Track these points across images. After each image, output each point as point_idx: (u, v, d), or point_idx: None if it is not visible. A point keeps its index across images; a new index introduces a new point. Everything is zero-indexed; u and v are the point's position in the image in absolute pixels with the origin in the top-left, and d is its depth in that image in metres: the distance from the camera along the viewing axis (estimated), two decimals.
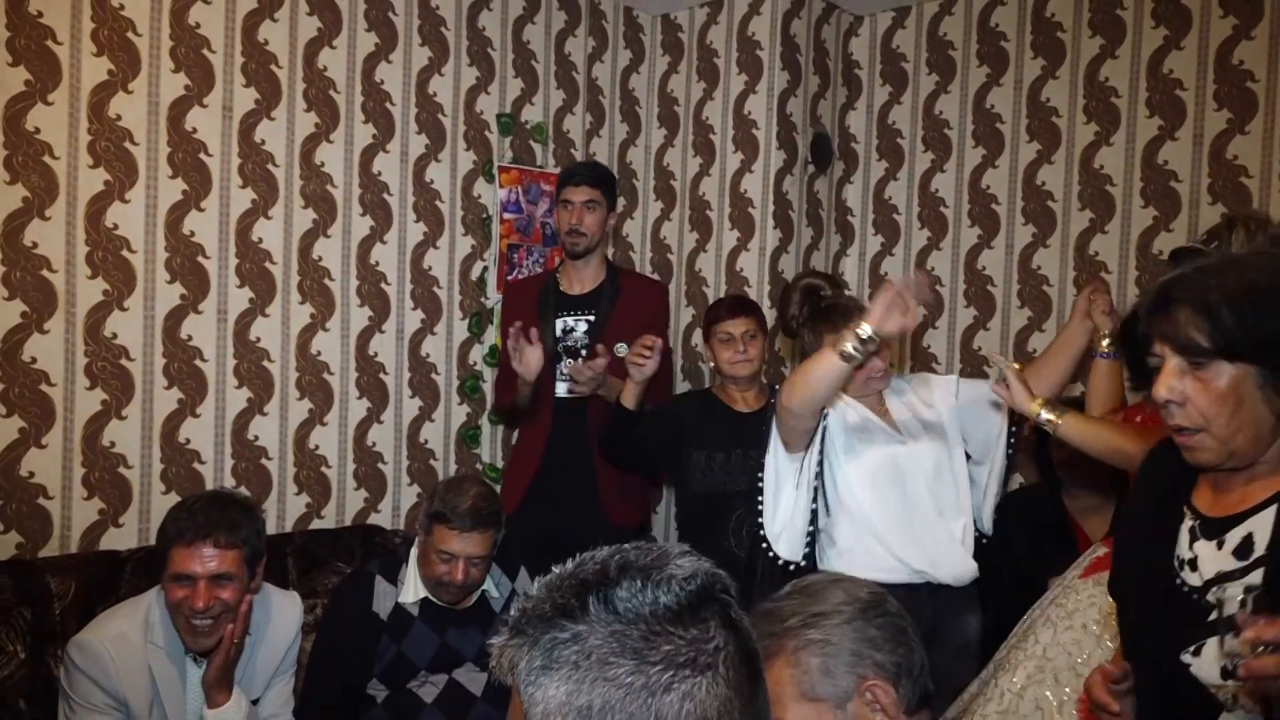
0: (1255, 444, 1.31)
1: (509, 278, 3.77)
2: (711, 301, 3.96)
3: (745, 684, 0.87)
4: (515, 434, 3.58)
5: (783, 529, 2.50)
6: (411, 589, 2.46)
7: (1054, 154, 3.71)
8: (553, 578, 0.90)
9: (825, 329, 2.50)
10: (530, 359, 3.15)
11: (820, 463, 2.49)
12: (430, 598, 2.46)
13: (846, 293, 2.71)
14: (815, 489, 2.48)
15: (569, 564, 0.91)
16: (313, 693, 2.35)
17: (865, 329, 2.20)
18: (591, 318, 3.30)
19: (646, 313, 3.36)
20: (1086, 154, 3.63)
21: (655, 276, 4.15)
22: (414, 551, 2.50)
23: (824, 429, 2.48)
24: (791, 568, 2.48)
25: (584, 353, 3.26)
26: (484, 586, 2.51)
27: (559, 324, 3.32)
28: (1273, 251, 1.34)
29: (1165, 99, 3.46)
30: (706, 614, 0.86)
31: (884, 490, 2.45)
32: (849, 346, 2.21)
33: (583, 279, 3.35)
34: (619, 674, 0.82)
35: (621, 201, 4.22)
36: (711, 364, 3.18)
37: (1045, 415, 2.18)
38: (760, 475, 2.54)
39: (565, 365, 3.25)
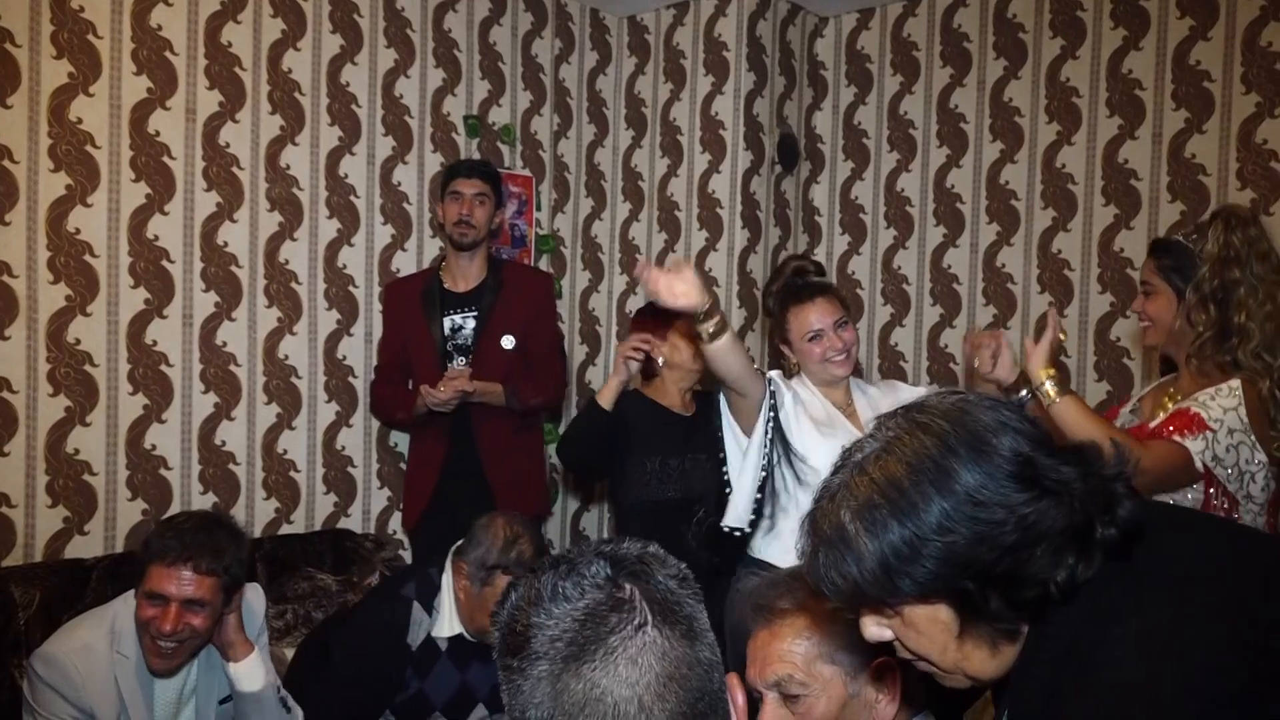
0: (986, 672, 1.10)
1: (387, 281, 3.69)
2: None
3: (679, 629, 0.92)
4: (411, 441, 3.47)
5: (738, 494, 2.49)
6: (448, 623, 2.34)
7: (1017, 153, 3.76)
8: (497, 616, 0.97)
9: (790, 302, 2.51)
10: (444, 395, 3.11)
11: (786, 449, 2.48)
12: (465, 634, 2.35)
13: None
14: (769, 467, 2.47)
15: (507, 598, 0.96)
16: (326, 715, 2.27)
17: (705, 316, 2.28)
18: (477, 313, 3.27)
19: (532, 304, 3.34)
20: (1048, 153, 3.68)
21: (549, 270, 4.15)
22: (449, 584, 2.36)
23: (782, 418, 2.47)
24: (738, 534, 2.48)
25: (473, 349, 3.23)
26: None
27: (446, 322, 3.29)
28: (925, 425, 1.08)
29: (1125, 99, 3.51)
30: (629, 584, 0.92)
31: None
32: (701, 329, 2.29)
33: (467, 275, 3.31)
34: (582, 654, 0.89)
35: (590, 203, 4.23)
36: (662, 360, 3.02)
37: (1048, 385, 2.02)
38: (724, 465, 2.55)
39: (457, 361, 3.22)
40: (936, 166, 3.95)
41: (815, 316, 2.47)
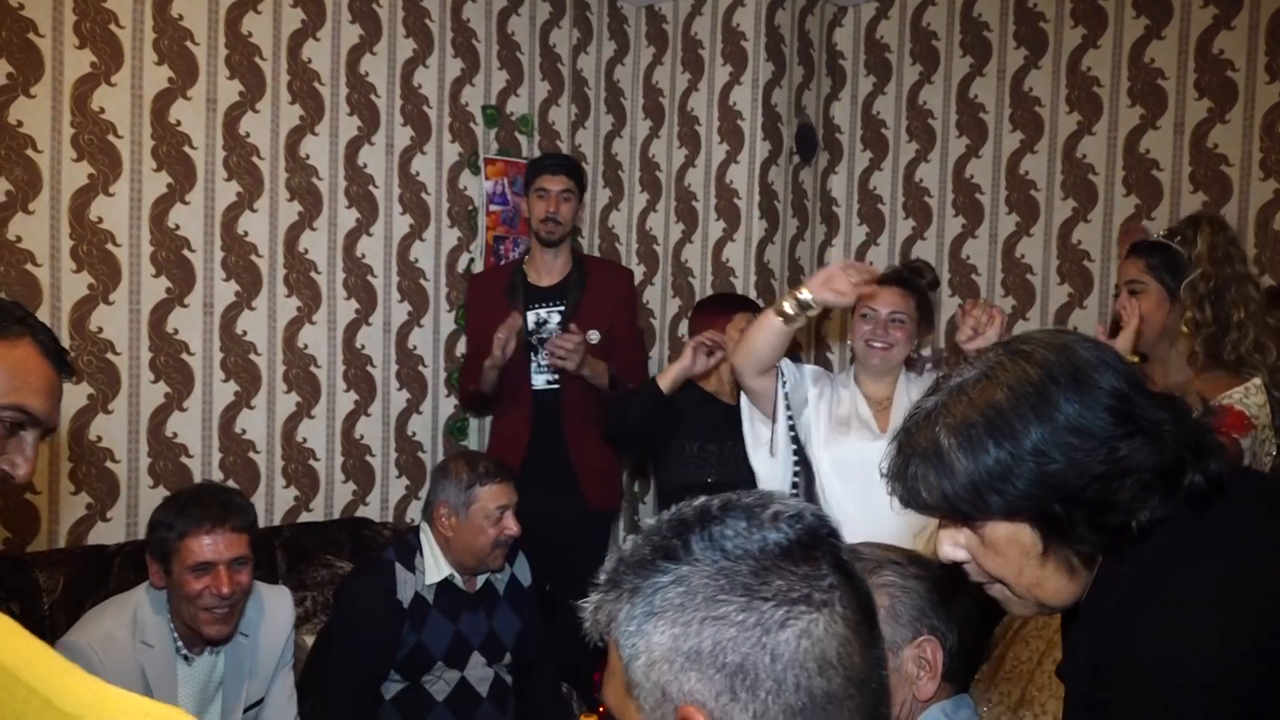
0: (1059, 597, 1.13)
1: (474, 271, 3.76)
2: (698, 292, 3.97)
3: (863, 626, 0.81)
4: (494, 423, 3.58)
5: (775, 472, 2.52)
6: (433, 570, 2.43)
7: (1037, 143, 3.73)
8: (648, 526, 0.85)
9: (874, 282, 2.51)
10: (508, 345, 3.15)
11: (798, 442, 2.50)
12: (452, 577, 2.45)
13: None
14: (795, 463, 2.49)
15: (662, 514, 0.86)
16: (340, 692, 2.31)
17: (804, 293, 2.31)
18: (563, 308, 3.31)
19: (616, 299, 3.38)
20: (1069, 143, 3.65)
21: (641, 266, 4.16)
22: (429, 538, 2.46)
23: (808, 405, 2.49)
24: None
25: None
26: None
27: (531, 316, 3.32)
28: (1027, 353, 1.10)
29: (1147, 88, 3.49)
30: (817, 553, 0.81)
31: (850, 485, 2.43)
32: (787, 306, 2.32)
33: (551, 269, 3.35)
34: (728, 611, 0.77)
35: (607, 193, 4.23)
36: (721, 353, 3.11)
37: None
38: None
39: (543, 355, 3.25)
40: (956, 157, 3.93)
41: (880, 298, 2.48)
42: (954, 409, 1.09)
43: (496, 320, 3.29)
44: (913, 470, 1.11)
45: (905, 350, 2.52)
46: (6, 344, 1.33)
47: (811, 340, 4.11)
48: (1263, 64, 3.27)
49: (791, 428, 2.48)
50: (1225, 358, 2.09)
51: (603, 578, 0.84)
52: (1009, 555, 1.11)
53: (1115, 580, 1.09)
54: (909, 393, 2.56)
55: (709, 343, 2.88)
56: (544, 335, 3.30)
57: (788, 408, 2.47)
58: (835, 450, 2.45)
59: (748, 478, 2.75)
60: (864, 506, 2.37)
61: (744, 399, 2.56)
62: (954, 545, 1.15)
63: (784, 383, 2.48)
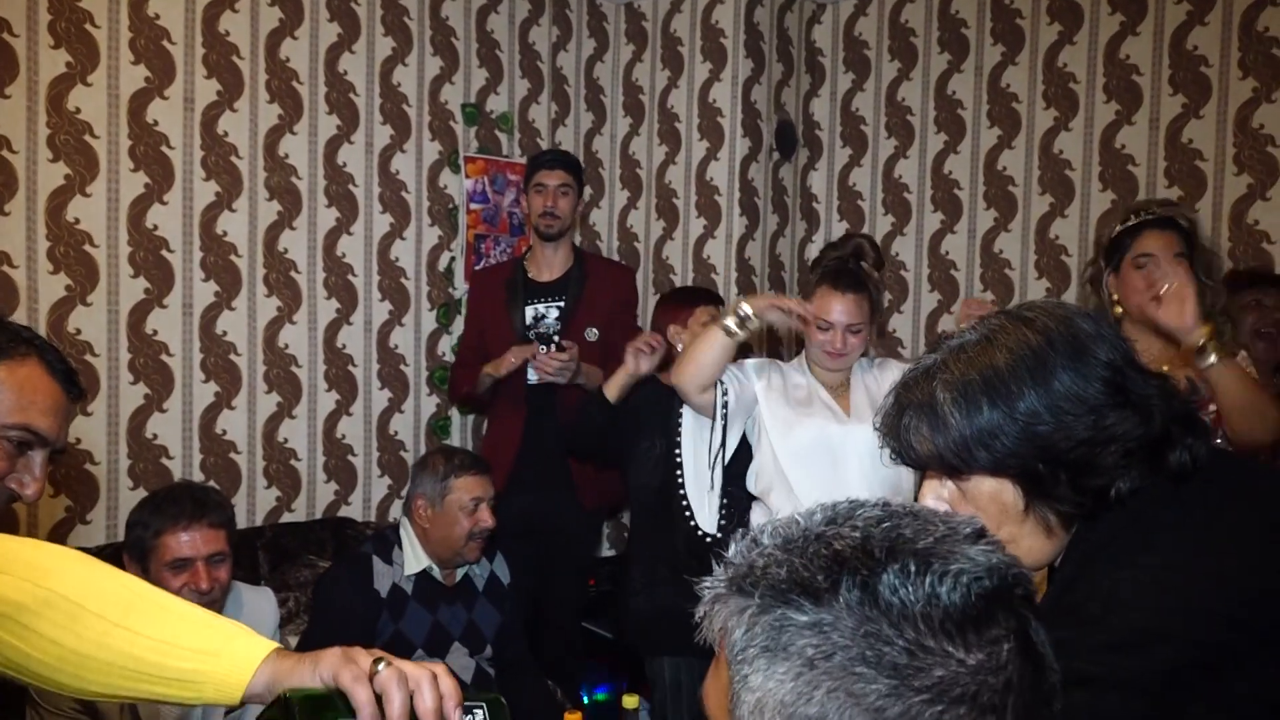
0: (1032, 556, 1.16)
1: (476, 267, 3.77)
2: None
3: None
4: (486, 422, 3.59)
5: (701, 498, 2.54)
6: (411, 562, 2.46)
7: (1014, 139, 3.76)
8: (793, 532, 0.71)
9: (824, 283, 2.52)
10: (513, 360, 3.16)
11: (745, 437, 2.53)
12: (430, 569, 2.47)
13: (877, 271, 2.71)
14: (723, 461, 2.53)
15: (815, 518, 0.72)
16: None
17: (745, 308, 2.34)
18: (562, 303, 3.32)
19: (616, 297, 3.39)
20: (1046, 139, 3.68)
21: (623, 262, 4.16)
22: (408, 532, 2.49)
23: (758, 401, 2.52)
24: (709, 539, 2.52)
25: (556, 339, 3.26)
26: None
27: (529, 311, 3.33)
28: (1030, 320, 1.13)
29: (1122, 84, 3.52)
30: (998, 630, 0.66)
31: (813, 470, 2.46)
32: (730, 322, 2.34)
33: (551, 265, 3.36)
34: (868, 691, 0.63)
35: (588, 190, 4.23)
36: (681, 346, 3.08)
37: (1211, 350, 1.95)
38: (679, 421, 2.60)
39: (538, 353, 3.26)
40: (934, 153, 3.95)
41: (837, 309, 2.48)
42: (953, 367, 1.13)
43: (495, 315, 3.29)
44: (906, 421, 1.15)
45: (860, 351, 2.55)
46: (13, 363, 1.34)
47: (763, 340, 4.13)
48: (1236, 60, 3.31)
49: (722, 451, 2.50)
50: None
51: (726, 573, 0.72)
52: (989, 511, 1.14)
53: (1084, 539, 1.13)
54: (864, 379, 2.59)
55: (645, 348, 2.84)
56: (541, 330, 3.30)
57: (724, 417, 2.49)
58: (799, 434, 2.47)
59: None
60: (829, 489, 2.39)
61: (687, 413, 2.57)
62: (935, 498, 1.18)
63: (724, 393, 2.50)
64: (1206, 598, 1.04)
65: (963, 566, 0.66)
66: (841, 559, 0.67)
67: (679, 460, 2.64)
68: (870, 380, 2.62)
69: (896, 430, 1.16)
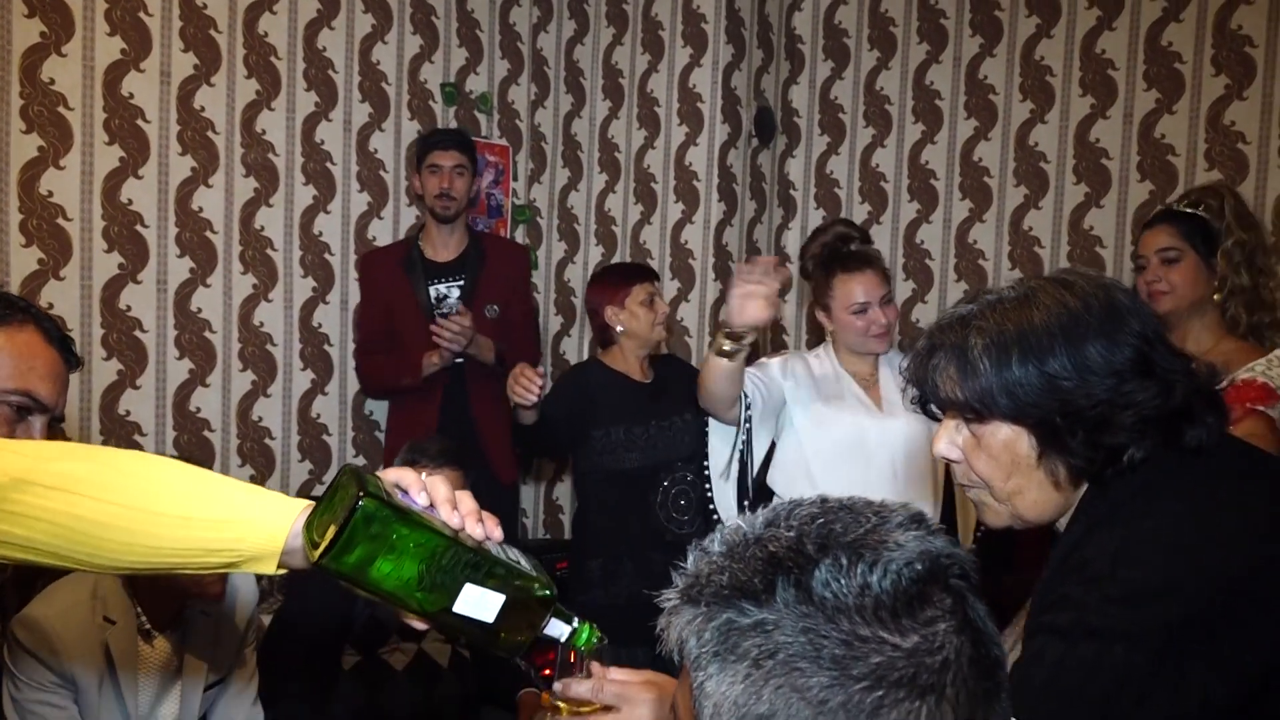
0: (1035, 509, 1.20)
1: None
2: (657, 272, 3.99)
3: (979, 709, 0.68)
4: (389, 403, 3.50)
5: (729, 499, 2.54)
6: None
7: (991, 131, 3.79)
8: (736, 537, 0.73)
9: (838, 269, 2.49)
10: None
11: (776, 433, 2.51)
12: None
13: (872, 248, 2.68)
14: (746, 459, 2.51)
15: (757, 521, 0.74)
16: (285, 662, 2.32)
17: (723, 333, 2.24)
18: (462, 283, 3.31)
19: (513, 275, 3.43)
20: (1022, 131, 3.72)
21: (595, 246, 4.16)
22: None
23: (786, 398, 2.49)
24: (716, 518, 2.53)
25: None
26: None
27: (431, 291, 3.31)
28: (1071, 284, 1.17)
29: (1098, 78, 3.56)
30: (933, 610, 0.68)
31: (844, 465, 2.43)
32: (725, 345, 2.23)
33: (448, 245, 3.34)
34: (811, 684, 0.65)
35: (566, 173, 4.23)
36: (621, 329, 2.93)
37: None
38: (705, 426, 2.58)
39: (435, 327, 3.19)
40: (911, 143, 3.97)
41: (862, 289, 2.45)
42: (989, 317, 1.17)
43: (396, 296, 3.25)
44: (935, 362, 1.19)
45: (898, 319, 2.55)
46: (10, 329, 1.34)
47: (767, 342, 4.16)
48: (1209, 56, 3.35)
49: (749, 457, 2.48)
50: (1259, 321, 2.15)
51: (678, 585, 0.74)
52: (1001, 459, 1.18)
53: (1091, 505, 1.17)
54: (892, 370, 2.57)
55: (523, 393, 2.63)
56: (444, 311, 3.27)
57: (749, 430, 2.45)
58: (832, 429, 2.43)
59: (673, 458, 2.76)
60: (863, 483, 2.40)
61: (712, 421, 2.53)
62: (950, 444, 1.22)
63: (748, 405, 2.43)
64: (1209, 558, 1.08)
65: (893, 554, 0.68)
66: (776, 560, 0.69)
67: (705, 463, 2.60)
68: (896, 373, 2.59)
69: (925, 370, 1.20)
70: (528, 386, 2.62)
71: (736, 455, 2.50)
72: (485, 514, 0.98)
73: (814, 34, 4.22)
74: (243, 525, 0.93)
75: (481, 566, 0.94)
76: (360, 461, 3.60)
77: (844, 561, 0.68)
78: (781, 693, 0.66)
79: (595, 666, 1.19)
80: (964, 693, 0.67)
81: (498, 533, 0.98)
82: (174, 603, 2.05)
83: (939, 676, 0.66)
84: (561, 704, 1.21)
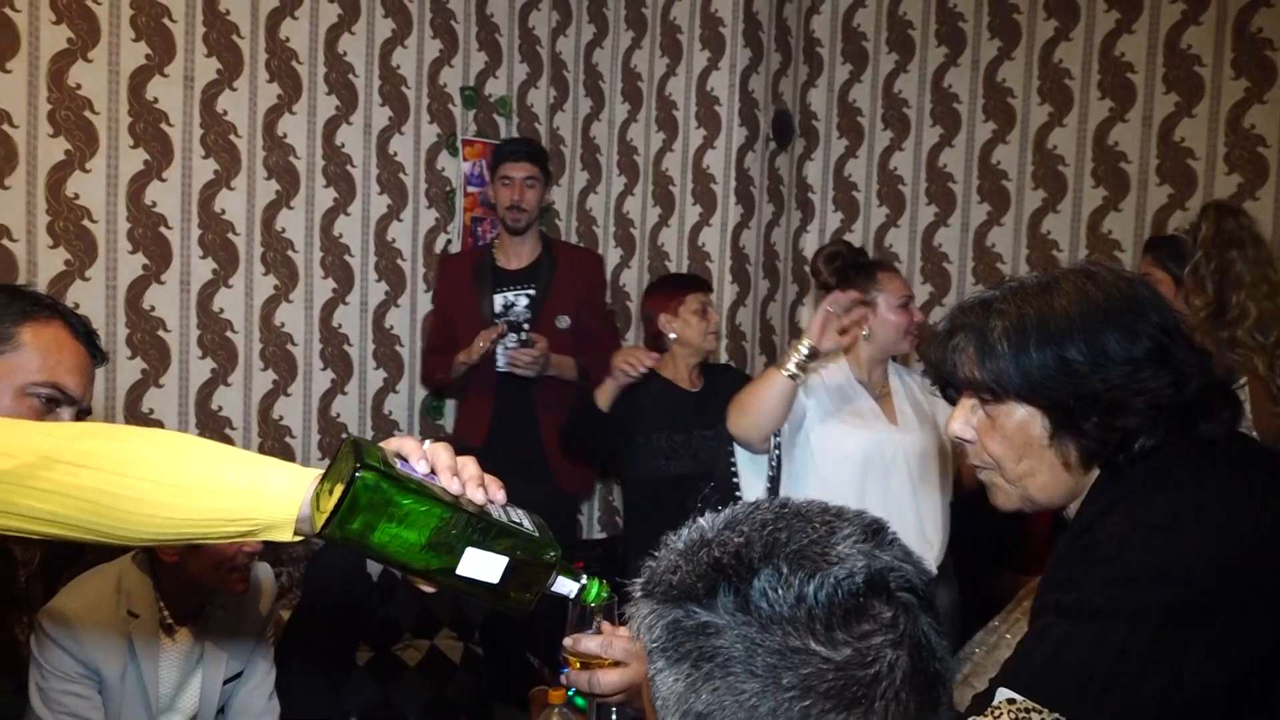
0: (1046, 492, 1.22)
1: (443, 254, 3.77)
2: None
3: None
4: (458, 404, 3.60)
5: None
6: None
7: (1009, 134, 3.79)
8: (694, 537, 0.76)
9: (878, 270, 2.53)
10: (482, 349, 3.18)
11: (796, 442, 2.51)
12: None
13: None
14: (779, 469, 2.50)
15: (717, 521, 0.76)
16: (301, 656, 2.36)
17: (804, 346, 2.26)
18: (532, 291, 3.33)
19: (585, 283, 3.42)
20: (1040, 134, 3.71)
21: (614, 249, 4.19)
22: None
23: (806, 414, 2.46)
24: None
25: (525, 327, 3.27)
26: None
27: (498, 299, 3.34)
28: (1094, 275, 1.19)
29: (1116, 81, 3.55)
30: (869, 625, 0.69)
31: (866, 480, 2.42)
32: (792, 365, 2.25)
33: (520, 253, 3.37)
34: (744, 688, 0.68)
35: (585, 176, 4.25)
36: (673, 336, 3.03)
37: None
38: (731, 459, 2.57)
39: (506, 343, 3.25)
40: (929, 146, 3.98)
41: (902, 286, 2.52)
42: (1011, 301, 1.19)
43: (464, 303, 3.30)
44: (955, 342, 1.22)
45: None
46: (39, 324, 1.39)
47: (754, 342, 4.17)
48: (1229, 59, 3.34)
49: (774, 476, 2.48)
50: (1216, 336, 2.14)
51: (639, 585, 0.77)
52: (1014, 440, 1.20)
53: (1101, 493, 1.19)
54: (901, 383, 2.58)
55: (629, 369, 2.82)
56: (511, 319, 3.31)
57: (778, 458, 2.45)
58: (852, 442, 2.43)
59: (715, 468, 2.76)
60: (883, 496, 2.39)
61: (740, 456, 2.51)
62: (964, 424, 1.24)
63: (777, 432, 2.42)
64: (1211, 544, 1.09)
65: (832, 567, 0.69)
66: (720, 566, 0.71)
67: (733, 465, 2.61)
68: (906, 386, 2.59)
69: (944, 350, 1.23)
70: (635, 362, 2.75)
71: (766, 483, 2.48)
72: (488, 477, 1.00)
73: (832, 37, 4.23)
74: (259, 495, 0.96)
75: (483, 530, 0.96)
76: None
77: (784, 571, 0.69)
78: (717, 694, 0.68)
79: (605, 625, 1.22)
80: (894, 706, 0.68)
81: (500, 495, 1.00)
82: (196, 597, 2.09)
83: (868, 689, 0.67)
84: (572, 658, 1.24)
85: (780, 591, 0.68)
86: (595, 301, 3.46)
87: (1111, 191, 3.57)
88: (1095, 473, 1.20)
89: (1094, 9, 3.58)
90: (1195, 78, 3.40)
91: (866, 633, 0.68)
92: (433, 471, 0.98)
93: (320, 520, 0.92)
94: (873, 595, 0.69)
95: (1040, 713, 1.06)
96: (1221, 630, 1.07)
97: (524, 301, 3.34)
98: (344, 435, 3.52)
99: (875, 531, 0.73)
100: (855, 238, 4.16)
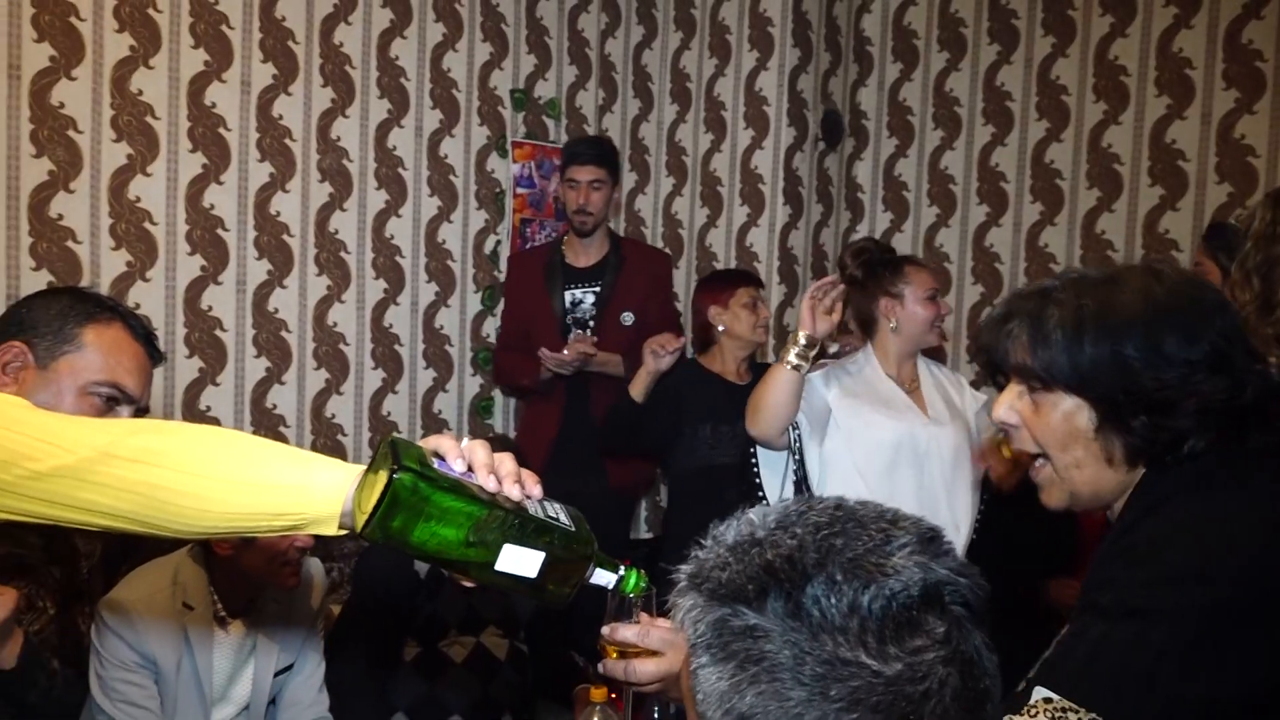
0: (1092, 487, 1.20)
1: (521, 250, 3.83)
2: None
3: None
4: (524, 406, 3.66)
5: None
6: None
7: (1063, 132, 3.73)
8: (744, 534, 0.74)
9: (906, 263, 2.56)
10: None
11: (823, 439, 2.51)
12: None
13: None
14: (802, 479, 2.51)
15: (769, 519, 0.74)
16: (350, 651, 2.41)
17: (802, 336, 2.33)
18: (598, 289, 3.36)
19: (651, 282, 3.43)
20: (1095, 132, 3.65)
21: (666, 250, 4.19)
22: None
23: (832, 410, 2.47)
24: None
25: (592, 324, 3.31)
26: None
27: (567, 296, 3.38)
28: (1160, 274, 1.17)
29: (1174, 78, 3.47)
30: (922, 640, 0.68)
31: (901, 468, 2.43)
32: (793, 356, 2.32)
33: (588, 251, 3.41)
34: (790, 695, 0.67)
35: (633, 176, 4.27)
36: (721, 328, 3.05)
37: None
38: (753, 458, 2.59)
39: (573, 337, 3.30)
40: (981, 145, 3.93)
41: (929, 282, 2.53)
42: (1071, 292, 1.17)
43: (534, 299, 3.35)
44: (1010, 328, 1.20)
45: None
46: (100, 325, 1.45)
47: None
48: None
49: (798, 478, 2.49)
50: (1262, 333, 2.09)
51: (684, 575, 0.76)
52: (1058, 431, 1.19)
53: (1145, 493, 1.17)
54: (931, 377, 2.58)
55: (661, 349, 2.86)
56: (578, 315, 3.36)
57: (799, 451, 2.47)
58: (883, 433, 2.43)
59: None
60: (915, 488, 2.41)
61: (761, 455, 2.55)
62: (1009, 409, 1.23)
63: (795, 426, 2.45)
64: (1253, 548, 1.08)
65: (888, 579, 0.68)
66: (772, 569, 0.70)
67: (754, 461, 2.62)
68: (936, 380, 2.59)
69: (998, 334, 1.21)
70: (664, 344, 2.80)
71: (790, 481, 2.51)
72: (524, 471, 1.01)
73: (883, 36, 4.20)
74: (305, 490, 0.99)
75: (519, 527, 0.97)
76: None
77: (838, 579, 0.68)
78: (762, 698, 0.67)
79: (643, 616, 1.23)
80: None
81: (536, 490, 1.01)
82: (249, 590, 2.14)
83: (917, 707, 0.66)
84: (609, 647, 1.25)
85: (833, 600, 0.67)
86: (659, 299, 3.47)
87: (1169, 190, 3.50)
88: (1140, 472, 1.18)
89: (1151, 4, 3.51)
90: (1256, 73, 3.32)
91: (919, 648, 0.67)
92: (470, 469, 1.00)
93: (361, 519, 0.95)
94: (926, 609, 0.68)
95: (1077, 712, 1.05)
96: (1264, 633, 1.05)
97: (590, 299, 3.37)
98: (394, 434, 3.58)
99: (931, 540, 0.72)
100: (905, 238, 4.12)
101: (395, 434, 1.00)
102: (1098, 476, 1.19)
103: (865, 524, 0.72)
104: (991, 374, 1.28)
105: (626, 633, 1.24)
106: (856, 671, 0.66)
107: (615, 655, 1.27)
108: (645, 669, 1.24)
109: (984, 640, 0.71)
